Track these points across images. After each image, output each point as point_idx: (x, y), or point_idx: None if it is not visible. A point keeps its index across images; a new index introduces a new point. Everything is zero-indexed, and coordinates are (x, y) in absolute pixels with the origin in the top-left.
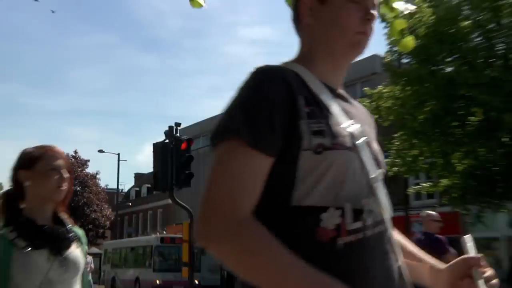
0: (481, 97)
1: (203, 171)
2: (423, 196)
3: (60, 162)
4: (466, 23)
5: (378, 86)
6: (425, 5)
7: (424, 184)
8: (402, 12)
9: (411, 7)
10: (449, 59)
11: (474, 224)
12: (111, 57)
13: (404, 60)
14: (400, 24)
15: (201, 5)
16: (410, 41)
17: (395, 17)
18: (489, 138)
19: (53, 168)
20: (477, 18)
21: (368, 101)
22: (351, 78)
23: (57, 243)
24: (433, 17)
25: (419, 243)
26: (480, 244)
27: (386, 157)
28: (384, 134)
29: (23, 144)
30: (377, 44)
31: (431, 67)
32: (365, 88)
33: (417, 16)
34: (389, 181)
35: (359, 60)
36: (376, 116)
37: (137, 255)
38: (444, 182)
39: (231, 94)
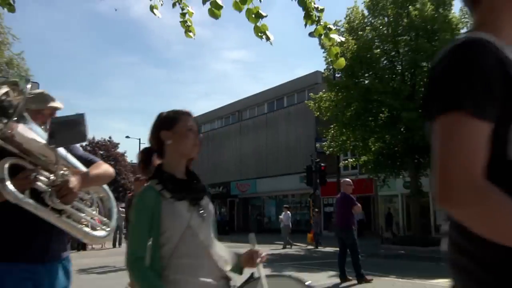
0: (387, 101)
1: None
2: (349, 167)
3: (193, 123)
4: (377, 51)
5: (320, 92)
6: (350, 38)
7: (350, 160)
8: (336, 41)
9: (342, 38)
10: (366, 75)
11: (382, 186)
12: (134, 71)
13: (337, 75)
14: (335, 49)
15: (191, 37)
16: (342, 62)
17: (332, 45)
18: (393, 128)
19: (189, 128)
20: (384, 48)
21: (312, 102)
22: (301, 86)
23: (195, 195)
24: (355, 46)
25: (338, 199)
26: (385, 199)
27: (324, 141)
28: (323, 125)
29: None
30: (319, 63)
31: (354, 80)
32: (310, 94)
33: (345, 45)
34: (326, 157)
35: (307, 74)
36: (318, 113)
37: None
38: (363, 158)
39: (218, 97)
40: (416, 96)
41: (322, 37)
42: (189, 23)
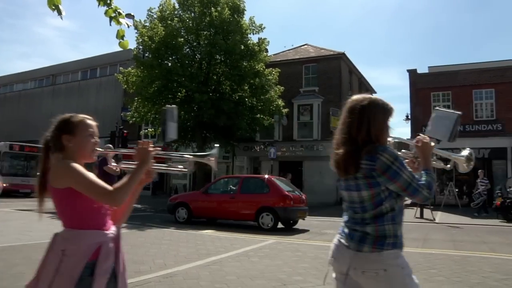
0: (185, 83)
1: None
2: (149, 136)
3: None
4: (181, 39)
5: (129, 68)
6: (160, 24)
7: (150, 129)
8: (123, 24)
9: (130, 23)
10: (170, 58)
11: None
12: None
13: (146, 55)
14: (122, 31)
15: None
16: (127, 43)
17: (119, 26)
18: (187, 106)
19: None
20: (188, 38)
21: (121, 76)
22: (114, 60)
23: None
24: (164, 32)
25: (99, 161)
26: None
27: (129, 111)
28: (129, 97)
29: None
30: (131, 41)
31: (160, 61)
32: (121, 68)
33: (154, 29)
34: (129, 125)
35: (120, 51)
36: (125, 86)
37: None
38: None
39: (36, 60)
40: (209, 82)
41: (113, 19)
42: None
